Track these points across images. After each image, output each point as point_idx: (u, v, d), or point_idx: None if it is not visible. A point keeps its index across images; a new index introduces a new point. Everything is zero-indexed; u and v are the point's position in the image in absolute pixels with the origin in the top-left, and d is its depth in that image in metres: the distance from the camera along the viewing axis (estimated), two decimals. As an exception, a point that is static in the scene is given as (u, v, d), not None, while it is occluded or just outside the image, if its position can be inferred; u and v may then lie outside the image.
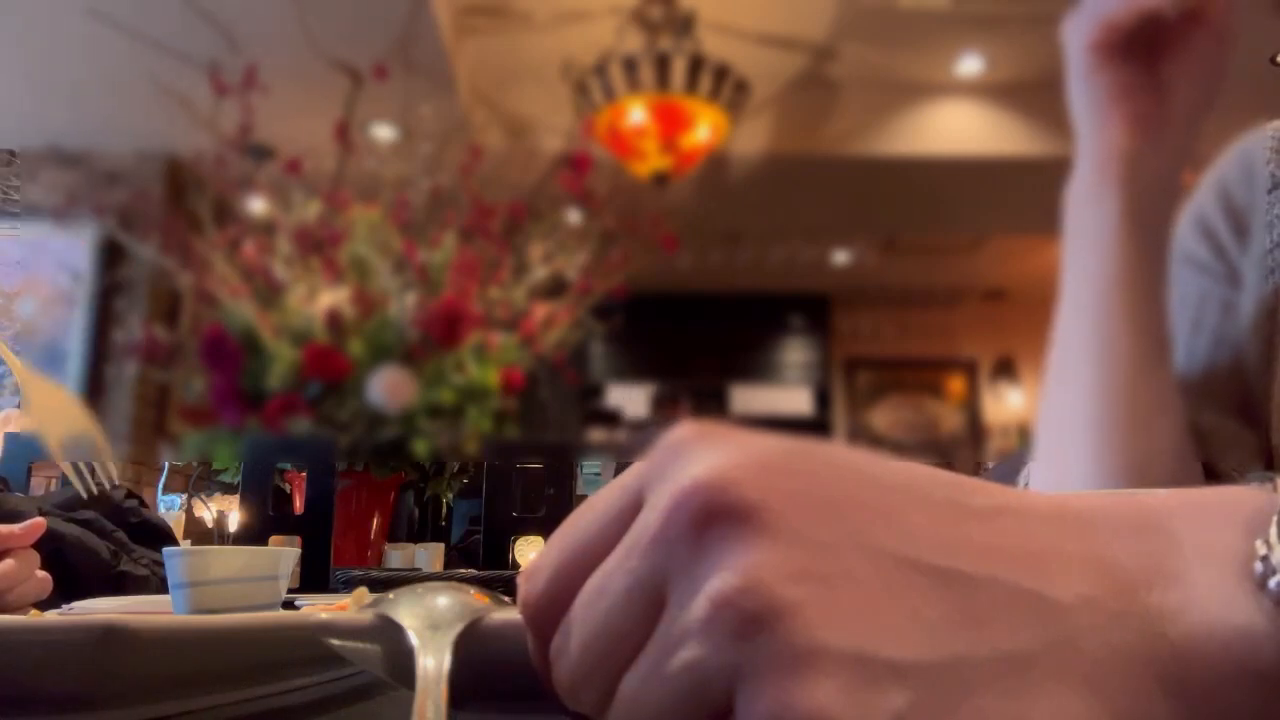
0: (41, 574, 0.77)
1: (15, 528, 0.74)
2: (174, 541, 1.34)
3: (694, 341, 6.16)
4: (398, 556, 1.52)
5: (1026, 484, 0.51)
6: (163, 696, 0.29)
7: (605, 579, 0.21)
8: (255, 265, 1.58)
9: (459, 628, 0.27)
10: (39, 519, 0.77)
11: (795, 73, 3.91)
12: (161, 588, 0.79)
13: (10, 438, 1.48)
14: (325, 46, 2.60)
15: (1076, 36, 0.46)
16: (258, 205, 1.67)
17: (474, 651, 0.27)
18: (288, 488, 1.45)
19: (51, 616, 0.60)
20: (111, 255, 3.73)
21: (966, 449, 6.20)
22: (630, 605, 0.20)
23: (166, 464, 2.23)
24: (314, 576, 1.13)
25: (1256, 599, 0.18)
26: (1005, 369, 6.50)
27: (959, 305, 6.52)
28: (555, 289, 1.79)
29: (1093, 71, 0.46)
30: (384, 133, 3.44)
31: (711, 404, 6.09)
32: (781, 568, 0.18)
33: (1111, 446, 0.44)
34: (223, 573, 0.65)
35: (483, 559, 1.23)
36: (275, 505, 1.19)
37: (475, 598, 0.30)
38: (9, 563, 0.73)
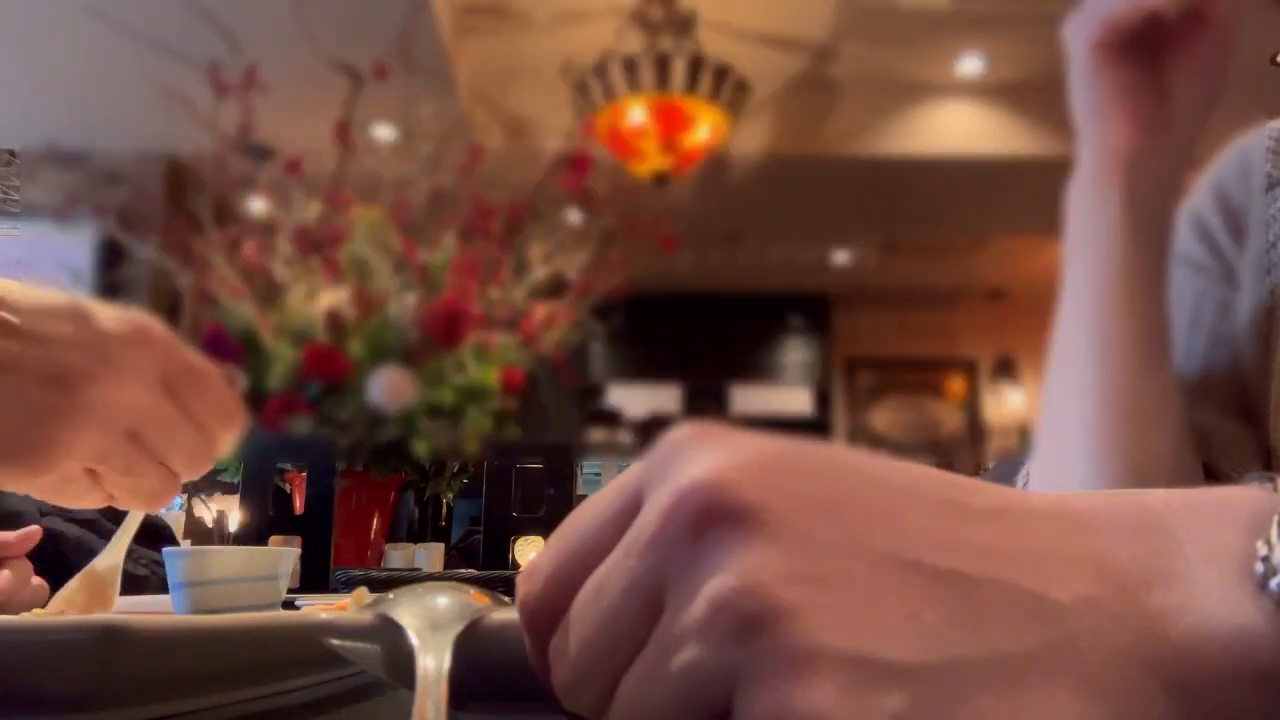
0: (37, 581, 0.77)
1: (9, 536, 0.74)
2: (174, 541, 1.34)
3: (694, 341, 6.17)
4: (398, 556, 1.52)
5: (1026, 484, 0.51)
6: (163, 696, 0.29)
7: (603, 580, 0.21)
8: (255, 265, 1.58)
9: (459, 628, 0.27)
10: (34, 528, 0.77)
11: (795, 73, 3.91)
12: (161, 588, 0.79)
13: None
14: (325, 46, 2.60)
15: (1078, 36, 0.46)
16: (258, 205, 1.67)
17: (474, 651, 0.27)
18: (288, 488, 1.45)
19: (52, 616, 0.60)
20: (111, 255, 3.72)
21: (966, 449, 6.20)
22: (628, 606, 0.20)
23: (166, 464, 2.22)
24: (314, 576, 1.13)
25: (1257, 600, 0.18)
26: (1005, 369, 6.50)
27: (959, 305, 6.52)
28: (555, 289, 1.79)
29: (1094, 71, 0.46)
30: (384, 133, 3.44)
31: (711, 404, 6.10)
32: (780, 569, 0.18)
33: (1111, 446, 0.44)
34: (223, 573, 0.65)
35: (483, 559, 1.23)
36: (275, 505, 1.19)
37: (475, 598, 0.30)
38: (4, 574, 0.72)
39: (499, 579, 1.04)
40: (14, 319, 0.44)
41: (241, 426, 0.54)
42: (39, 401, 0.45)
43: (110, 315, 0.47)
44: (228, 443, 0.53)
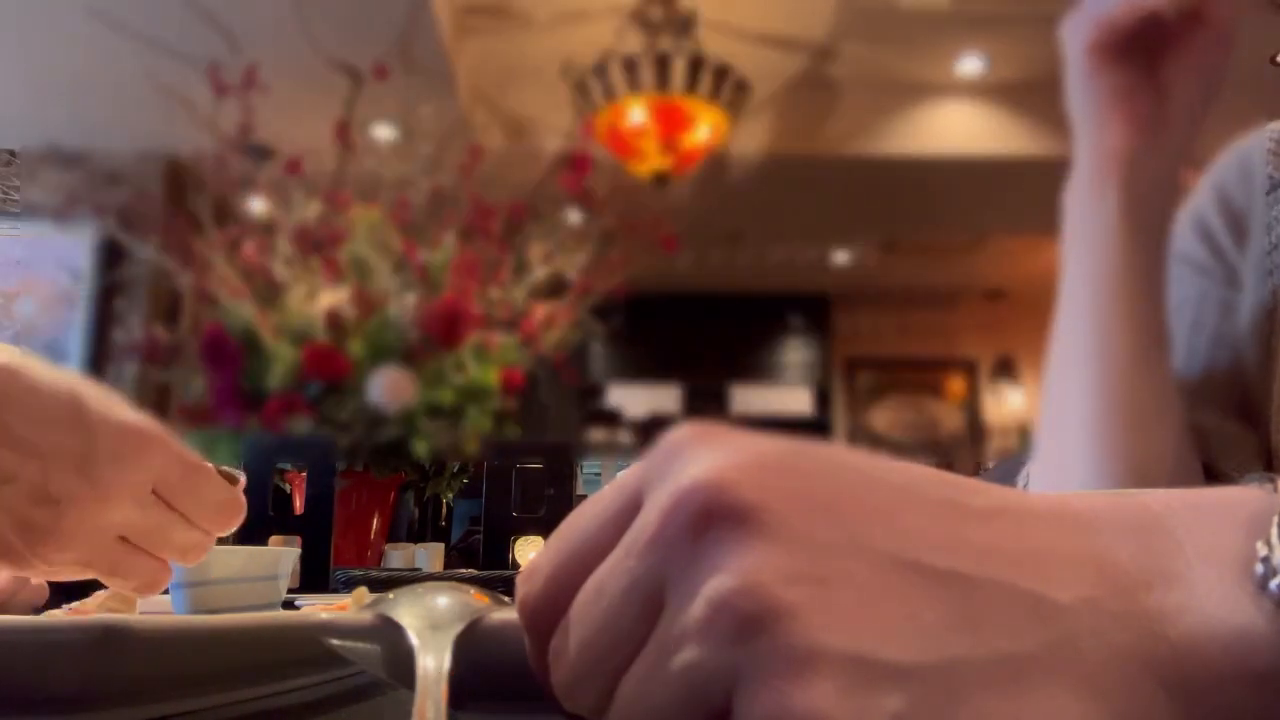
0: (37, 581, 0.77)
1: None
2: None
3: (694, 341, 6.17)
4: (398, 556, 1.52)
5: (1026, 484, 0.51)
6: (163, 696, 0.29)
7: (603, 580, 0.21)
8: (255, 265, 1.58)
9: (459, 628, 0.27)
10: None
11: (795, 73, 3.91)
12: (161, 588, 0.79)
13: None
14: (325, 46, 2.60)
15: (1076, 37, 0.47)
16: (258, 205, 1.67)
17: (474, 651, 0.27)
18: (288, 488, 1.45)
19: (52, 616, 0.60)
20: (111, 255, 3.72)
21: (966, 449, 6.20)
22: (628, 606, 0.20)
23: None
24: (314, 576, 1.13)
25: (1257, 600, 0.18)
26: (1005, 369, 6.50)
27: (959, 305, 6.51)
28: (555, 289, 1.79)
29: (1092, 72, 0.46)
30: (384, 133, 3.44)
31: (711, 404, 6.09)
32: (780, 569, 0.18)
33: (1111, 447, 0.44)
34: (223, 573, 0.65)
35: (483, 559, 1.23)
36: (275, 505, 1.19)
37: (475, 598, 0.30)
38: (4, 574, 0.73)
39: (499, 579, 1.04)
40: (14, 424, 0.43)
41: (240, 520, 0.53)
42: (26, 517, 0.44)
43: (109, 420, 0.46)
44: (226, 531, 0.53)
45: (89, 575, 0.50)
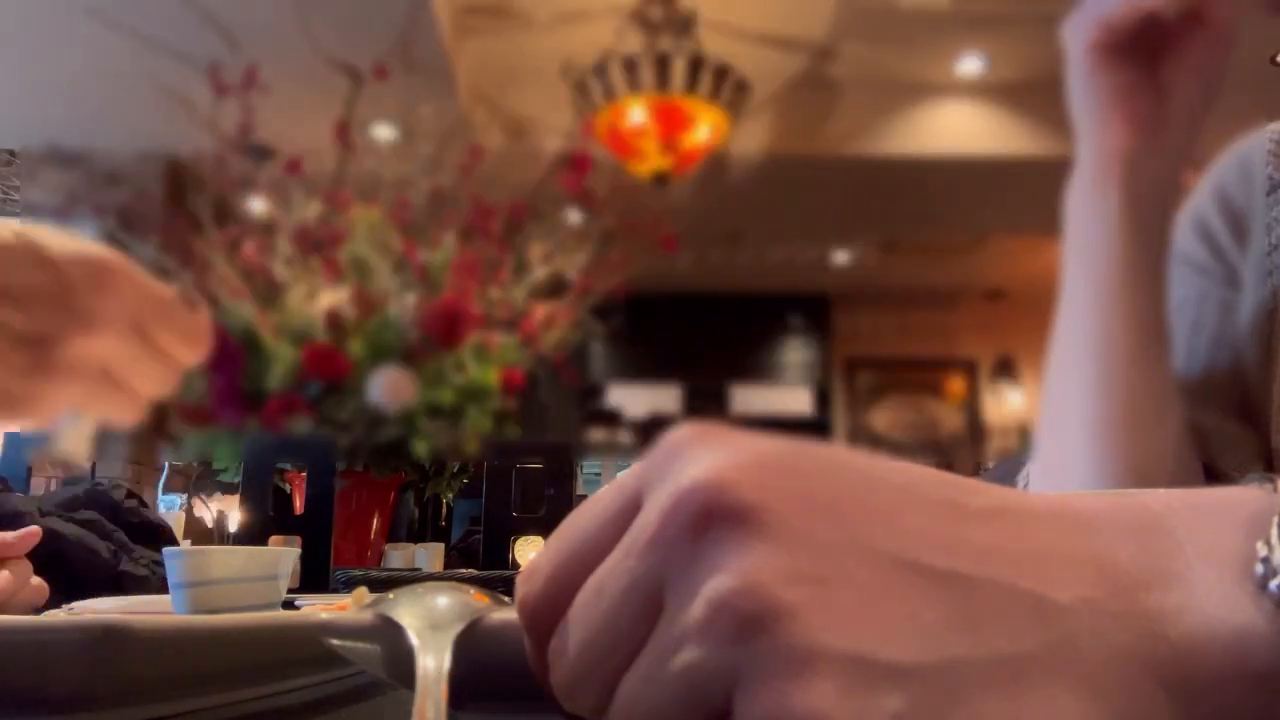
0: (37, 581, 0.77)
1: (9, 537, 0.74)
2: (174, 541, 1.34)
3: (694, 341, 6.17)
4: (398, 556, 1.52)
5: (1026, 484, 0.51)
6: (163, 696, 0.29)
7: (603, 580, 0.21)
8: (255, 265, 1.58)
9: (459, 628, 0.27)
10: (34, 528, 0.77)
11: (795, 73, 3.91)
12: (161, 588, 0.79)
13: (10, 437, 1.48)
14: (325, 46, 2.61)
15: (1077, 37, 0.47)
16: (258, 205, 1.68)
17: (474, 651, 0.27)
18: (288, 488, 1.45)
19: (52, 616, 0.60)
20: (111, 255, 3.72)
21: (966, 449, 6.20)
22: (628, 606, 0.20)
23: (166, 464, 2.22)
24: (314, 576, 1.13)
25: (1257, 600, 0.18)
26: (1005, 369, 6.50)
27: (959, 305, 6.52)
28: (555, 289, 1.79)
29: (1093, 72, 0.46)
30: (384, 133, 3.44)
31: (711, 404, 6.09)
32: (780, 569, 0.18)
33: (1111, 447, 0.44)
34: (223, 573, 0.65)
35: (483, 559, 1.23)
36: (275, 505, 1.19)
37: (475, 598, 0.30)
38: (4, 574, 0.73)
39: (499, 579, 1.04)
40: None
41: (206, 350, 0.55)
42: (17, 362, 0.46)
43: (73, 254, 0.47)
44: (196, 361, 0.55)
45: (91, 413, 0.51)
